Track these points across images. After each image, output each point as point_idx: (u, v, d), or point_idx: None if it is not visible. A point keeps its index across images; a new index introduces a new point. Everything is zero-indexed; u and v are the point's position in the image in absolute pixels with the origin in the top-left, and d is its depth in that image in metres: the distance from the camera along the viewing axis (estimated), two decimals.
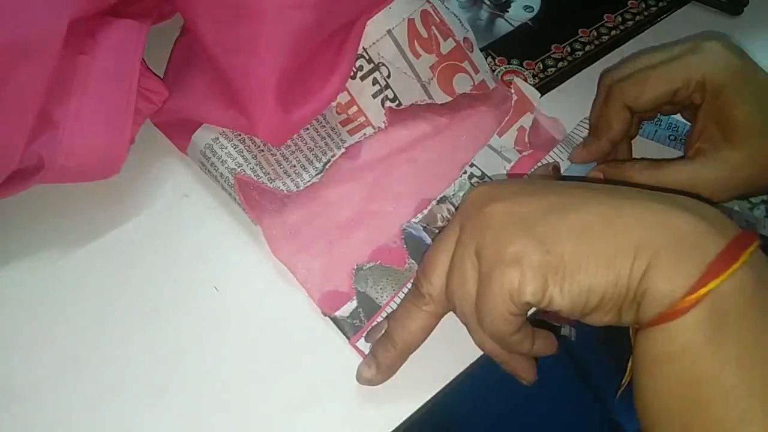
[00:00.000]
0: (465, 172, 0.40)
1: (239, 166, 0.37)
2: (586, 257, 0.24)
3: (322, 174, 0.39)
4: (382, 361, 0.32)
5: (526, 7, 0.50)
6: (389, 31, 0.39)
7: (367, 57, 0.40)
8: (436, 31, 0.40)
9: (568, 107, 0.44)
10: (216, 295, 0.36)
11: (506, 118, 0.42)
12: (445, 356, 0.34)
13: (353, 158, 0.40)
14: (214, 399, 0.33)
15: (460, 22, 0.42)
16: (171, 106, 0.39)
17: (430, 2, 0.40)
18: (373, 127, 0.40)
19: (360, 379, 0.33)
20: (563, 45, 0.48)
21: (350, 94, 0.40)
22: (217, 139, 0.38)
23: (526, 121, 0.41)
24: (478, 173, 0.40)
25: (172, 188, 0.40)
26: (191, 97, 0.38)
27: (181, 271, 0.37)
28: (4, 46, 0.33)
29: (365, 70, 0.40)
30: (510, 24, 0.49)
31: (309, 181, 0.38)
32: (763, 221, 0.56)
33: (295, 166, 0.38)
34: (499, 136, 0.41)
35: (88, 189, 0.38)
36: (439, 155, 0.41)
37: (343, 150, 0.39)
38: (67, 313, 0.35)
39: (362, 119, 0.40)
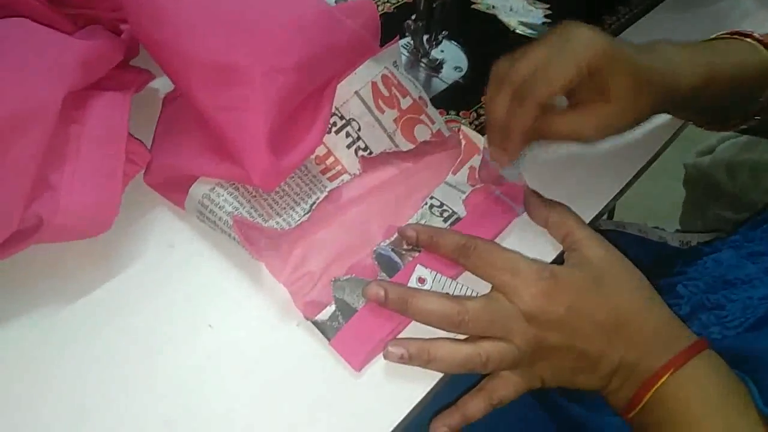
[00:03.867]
0: (426, 203, 0.46)
1: (236, 210, 0.41)
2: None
3: (309, 213, 0.44)
4: None
5: (456, 68, 0.58)
6: (356, 93, 0.46)
7: (339, 114, 0.46)
8: (395, 91, 0.47)
9: None
10: (210, 331, 0.39)
11: (458, 159, 0.48)
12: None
13: (335, 200, 0.45)
14: (217, 427, 0.36)
15: (414, 84, 0.49)
16: (166, 165, 0.43)
17: (387, 68, 0.47)
18: (350, 174, 0.46)
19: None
20: None
21: (327, 147, 0.46)
22: (214, 188, 0.42)
23: (475, 161, 0.48)
24: (438, 203, 0.46)
25: (158, 240, 0.43)
26: (185, 155, 0.43)
27: (174, 314, 0.40)
28: (4, 119, 0.36)
29: (338, 125, 0.46)
30: (444, 82, 0.57)
31: (299, 220, 0.43)
32: (672, 236, 0.64)
33: (285, 207, 0.44)
34: (454, 174, 0.48)
35: (79, 246, 0.41)
36: (405, 191, 0.47)
37: (326, 193, 0.45)
38: (65, 364, 0.37)
39: (339, 167, 0.46)
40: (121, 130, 0.41)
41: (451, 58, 0.59)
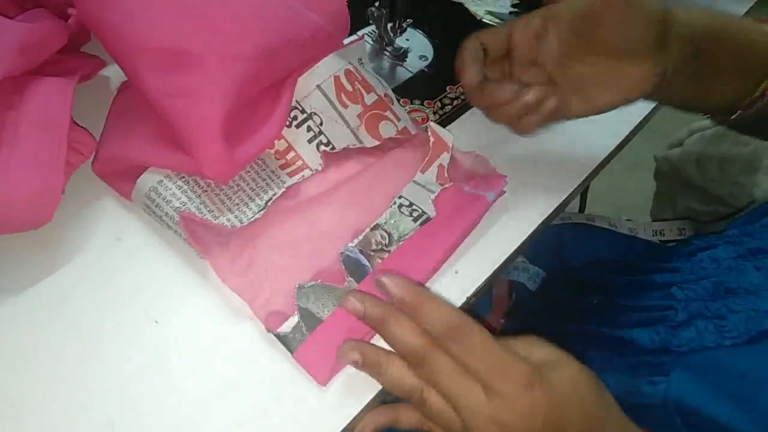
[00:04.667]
0: (395, 203, 0.44)
1: (183, 205, 0.39)
2: None
3: (264, 210, 0.41)
4: None
5: (421, 57, 0.57)
6: (318, 86, 0.44)
7: (300, 108, 0.44)
8: (359, 86, 0.45)
9: (466, 134, 0.51)
10: (156, 327, 0.38)
11: (426, 158, 0.46)
12: None
13: (294, 196, 0.43)
14: (162, 427, 0.34)
15: (379, 81, 0.47)
16: (115, 155, 0.41)
17: (351, 64, 0.45)
18: (311, 170, 0.44)
19: None
20: (456, 86, 0.55)
21: (287, 141, 0.44)
22: (162, 181, 0.40)
23: (444, 158, 0.46)
24: (407, 203, 0.44)
25: (104, 232, 0.41)
26: (135, 143, 0.40)
27: (119, 309, 0.38)
28: None
29: (299, 119, 0.44)
30: (409, 71, 0.56)
31: (252, 217, 0.41)
32: (645, 226, 0.64)
33: (238, 204, 0.41)
34: (422, 173, 0.46)
35: (19, 239, 0.39)
36: (371, 189, 0.45)
37: (283, 189, 0.42)
38: (5, 359, 0.35)
39: (300, 163, 0.44)
40: (63, 116, 0.39)
41: (416, 46, 0.58)
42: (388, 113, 0.46)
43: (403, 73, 0.56)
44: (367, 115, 0.45)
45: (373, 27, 0.57)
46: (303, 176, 0.44)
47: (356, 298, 0.35)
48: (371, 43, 0.57)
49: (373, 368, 0.35)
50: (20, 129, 0.38)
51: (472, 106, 0.53)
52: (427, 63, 0.57)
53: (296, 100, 0.44)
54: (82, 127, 0.42)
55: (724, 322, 0.43)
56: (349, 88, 0.45)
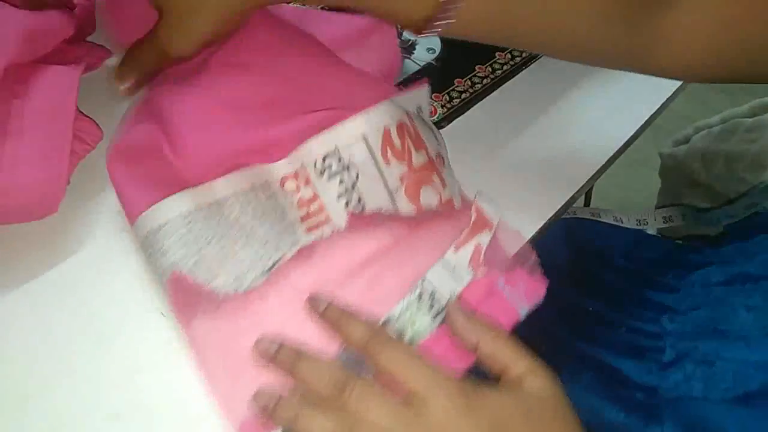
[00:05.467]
0: (416, 289, 0.37)
1: (181, 259, 0.35)
2: None
3: (266, 275, 0.36)
4: None
5: (429, 49, 0.57)
6: (364, 137, 0.39)
7: (338, 156, 0.38)
8: (410, 143, 0.39)
9: (474, 129, 0.50)
10: (162, 320, 0.37)
11: (464, 233, 0.39)
12: None
13: (304, 260, 0.37)
14: (169, 420, 0.34)
15: (436, 137, 0.42)
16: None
17: (409, 115, 0.40)
18: (333, 227, 0.38)
19: None
20: (464, 79, 0.54)
21: (315, 191, 0.38)
22: (165, 225, 0.35)
23: (484, 238, 0.39)
24: (429, 289, 0.37)
25: (109, 224, 0.41)
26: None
27: (125, 301, 0.38)
28: None
29: (334, 169, 0.38)
30: (417, 64, 0.55)
31: (251, 282, 0.35)
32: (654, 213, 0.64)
33: (244, 260, 0.36)
34: (456, 251, 0.39)
35: (23, 229, 0.39)
36: (393, 270, 0.38)
37: (295, 251, 0.36)
38: (6, 354, 0.35)
39: (323, 217, 0.38)
40: (69, 106, 0.39)
41: (424, 39, 0.57)
42: (434, 177, 0.40)
43: (411, 66, 0.55)
44: (411, 177, 0.39)
45: None
46: (323, 234, 0.38)
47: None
48: None
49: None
50: (26, 118, 0.37)
51: (480, 101, 0.53)
52: (434, 56, 0.56)
53: (336, 146, 0.38)
54: (87, 116, 0.42)
55: (712, 370, 0.42)
56: (397, 143, 0.39)
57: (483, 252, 0.39)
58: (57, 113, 0.38)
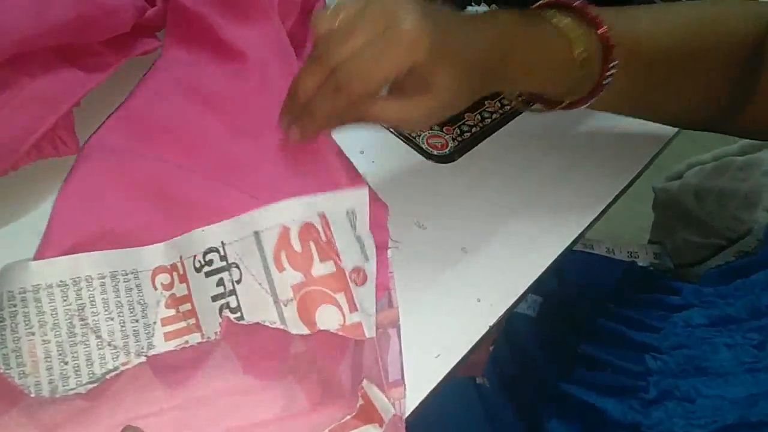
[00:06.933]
0: None
1: (28, 337, 0.30)
2: None
3: (94, 384, 0.30)
4: None
5: None
6: (256, 233, 0.34)
7: (221, 252, 0.34)
8: (314, 249, 0.34)
9: (484, 163, 0.51)
10: None
11: (344, 419, 0.32)
12: None
13: (153, 373, 0.31)
14: None
15: (363, 251, 0.36)
16: None
17: (325, 218, 0.35)
18: (203, 336, 0.33)
19: None
20: (474, 114, 0.55)
21: (188, 288, 0.33)
22: (33, 293, 0.31)
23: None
24: None
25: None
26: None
27: None
28: None
29: (214, 266, 0.34)
30: None
31: (72, 389, 0.29)
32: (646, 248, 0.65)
33: (68, 362, 0.30)
34: None
35: None
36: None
37: (142, 359, 0.31)
38: None
39: (192, 321, 0.33)
40: (62, 105, 0.40)
41: None
42: (339, 296, 0.33)
43: None
44: (306, 290, 0.33)
45: None
46: (186, 342, 0.32)
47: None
48: None
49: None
50: (23, 93, 0.38)
51: (489, 135, 0.54)
52: None
53: (222, 242, 0.34)
54: (74, 132, 0.42)
55: (692, 407, 0.43)
56: (297, 247, 0.34)
57: None
58: (47, 103, 0.39)
